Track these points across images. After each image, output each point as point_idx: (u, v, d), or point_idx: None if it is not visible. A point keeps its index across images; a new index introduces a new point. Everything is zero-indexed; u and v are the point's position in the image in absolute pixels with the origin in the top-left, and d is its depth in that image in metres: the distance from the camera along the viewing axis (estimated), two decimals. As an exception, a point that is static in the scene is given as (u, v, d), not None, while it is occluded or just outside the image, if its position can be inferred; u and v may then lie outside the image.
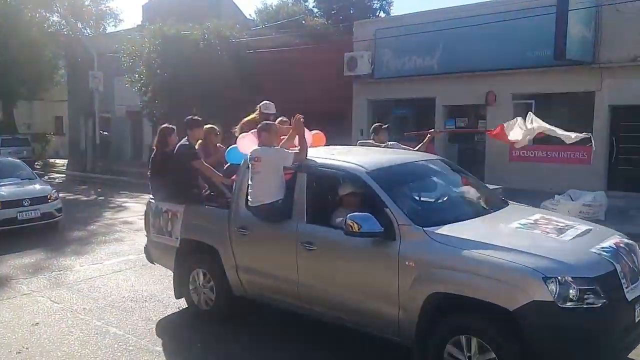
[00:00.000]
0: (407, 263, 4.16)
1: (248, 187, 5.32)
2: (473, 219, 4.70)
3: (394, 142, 7.48)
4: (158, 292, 7.03)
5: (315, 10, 30.56)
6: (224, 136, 7.07)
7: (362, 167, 4.82)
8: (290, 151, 5.21)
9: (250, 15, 31.29)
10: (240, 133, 6.15)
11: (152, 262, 6.80)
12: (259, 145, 5.32)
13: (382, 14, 30.43)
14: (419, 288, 4.09)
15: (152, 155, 6.42)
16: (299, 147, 5.20)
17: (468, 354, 3.95)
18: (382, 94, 17.41)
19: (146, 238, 6.71)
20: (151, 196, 6.55)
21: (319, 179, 5.29)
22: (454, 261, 3.97)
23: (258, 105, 6.72)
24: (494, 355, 3.81)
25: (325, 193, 5.50)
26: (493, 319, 3.83)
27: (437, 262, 4.07)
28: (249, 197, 5.30)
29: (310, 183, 5.09)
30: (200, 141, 6.42)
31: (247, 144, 5.66)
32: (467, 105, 15.63)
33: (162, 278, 7.39)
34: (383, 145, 7.17)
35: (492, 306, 3.78)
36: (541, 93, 14.05)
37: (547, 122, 7.40)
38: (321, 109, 14.55)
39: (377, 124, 7.70)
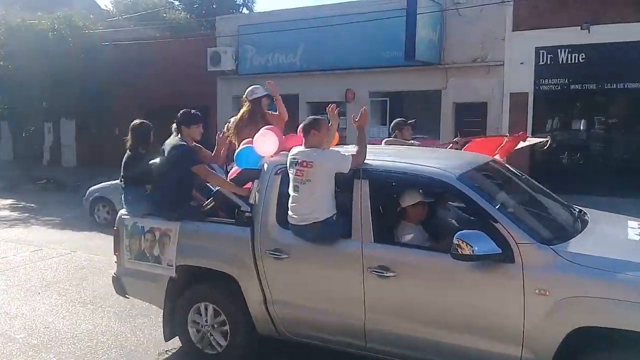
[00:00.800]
0: (537, 291, 3.35)
1: (276, 200, 4.27)
2: (582, 234, 3.90)
3: (419, 139, 6.43)
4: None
5: (177, 3, 29.77)
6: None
7: (447, 170, 3.90)
8: (348, 154, 4.06)
9: (105, 6, 29.72)
10: (236, 135, 5.27)
11: (124, 295, 5.12)
12: (305, 147, 4.16)
13: (245, 10, 30.46)
14: (559, 321, 3.30)
15: (126, 159, 5.00)
16: (358, 148, 4.10)
17: None
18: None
19: (116, 265, 5.06)
20: (123, 210, 5.01)
21: (385, 187, 4.32)
22: (606, 287, 3.23)
23: (243, 97, 5.70)
24: None
25: (392, 204, 4.39)
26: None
27: (583, 288, 3.27)
28: (291, 212, 4.10)
29: (373, 192, 4.00)
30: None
31: (269, 143, 4.53)
32: (328, 102, 16.14)
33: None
34: (408, 143, 6.33)
35: None
36: (395, 91, 15.06)
37: (407, 118, 7.20)
38: (185, 104, 14.25)
39: (399, 120, 6.77)
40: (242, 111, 5.65)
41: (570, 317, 3.28)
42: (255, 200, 4.33)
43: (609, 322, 3.22)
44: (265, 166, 4.42)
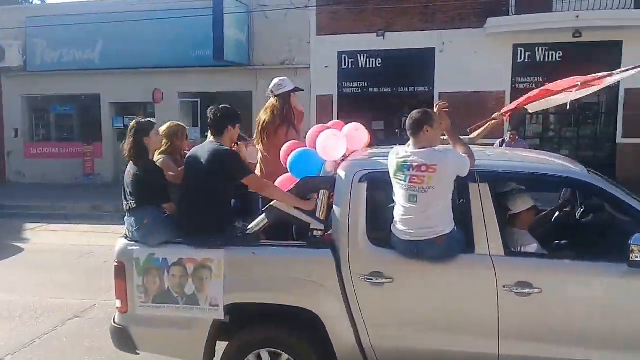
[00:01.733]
0: None
1: (365, 213, 3.44)
2: None
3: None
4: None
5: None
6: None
7: (574, 168, 3.65)
8: (465, 155, 3.38)
9: None
10: (267, 138, 4.46)
11: (133, 352, 3.75)
12: (417, 147, 3.34)
13: (36, 1, 27.43)
14: None
15: (137, 172, 3.73)
16: (464, 149, 3.43)
17: None
18: (39, 89, 15.75)
19: (117, 312, 3.76)
20: (124, 240, 3.76)
21: (497, 191, 3.67)
22: None
23: (269, 89, 4.76)
24: None
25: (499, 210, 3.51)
26: None
27: None
28: (402, 226, 3.29)
29: (493, 197, 3.40)
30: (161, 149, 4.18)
31: (340, 145, 3.75)
32: (134, 103, 15.33)
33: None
34: None
35: None
36: (206, 92, 14.71)
37: None
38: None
39: None
40: (269, 110, 4.66)
41: None
42: (322, 215, 3.53)
43: None
44: (342, 173, 3.54)
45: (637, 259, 3.01)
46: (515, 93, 11.84)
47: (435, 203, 3.24)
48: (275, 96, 4.69)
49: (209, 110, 3.82)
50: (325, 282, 3.42)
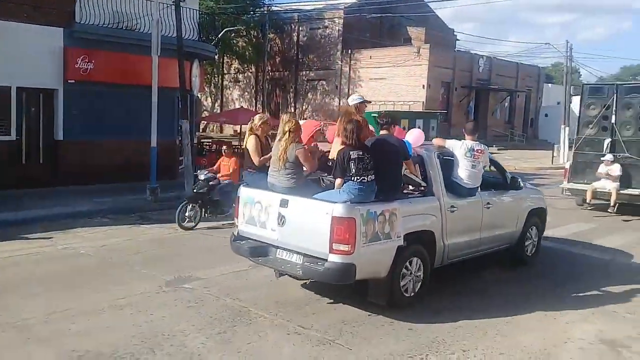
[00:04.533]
0: None
1: (441, 176, 6.84)
2: None
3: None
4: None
5: None
6: None
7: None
8: None
9: None
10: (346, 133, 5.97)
11: (351, 281, 5.77)
12: (472, 140, 7.25)
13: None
14: None
15: (363, 152, 5.87)
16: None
17: None
18: None
19: (342, 254, 5.57)
20: (344, 201, 5.69)
21: None
22: None
23: (351, 102, 7.11)
24: None
25: None
26: None
27: None
28: (468, 181, 7.04)
29: None
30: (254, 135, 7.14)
31: (420, 138, 7.14)
32: None
33: None
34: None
35: None
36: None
37: None
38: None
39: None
40: (351, 114, 6.45)
41: None
42: (419, 178, 6.80)
43: None
44: (430, 154, 6.85)
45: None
46: None
47: (481, 169, 7.20)
48: (358, 106, 7.05)
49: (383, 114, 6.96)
50: (436, 213, 6.57)
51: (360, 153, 5.82)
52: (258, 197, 6.42)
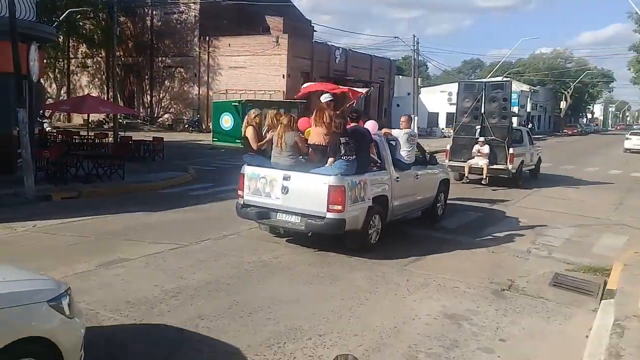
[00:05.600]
0: None
1: (390, 156, 9.30)
2: None
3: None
4: None
5: None
6: None
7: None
8: None
9: None
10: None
11: (341, 232, 8.06)
12: (405, 129, 10.16)
13: None
14: None
15: (348, 139, 8.07)
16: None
17: None
18: None
19: (335, 213, 7.81)
20: (336, 174, 7.87)
21: None
22: None
23: (323, 100, 9.17)
24: None
25: None
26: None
27: None
28: (407, 159, 9.66)
29: None
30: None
31: (374, 126, 9.44)
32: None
33: None
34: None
35: None
36: None
37: None
38: None
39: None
40: (330, 111, 8.63)
41: None
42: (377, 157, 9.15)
43: None
44: (382, 139, 9.26)
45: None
46: None
47: (414, 149, 10.06)
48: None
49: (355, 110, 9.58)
50: (388, 183, 8.93)
51: (347, 139, 8.03)
52: (263, 173, 8.38)
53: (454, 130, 17.98)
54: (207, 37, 37.83)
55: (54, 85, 43.84)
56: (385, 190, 8.84)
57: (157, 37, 40.20)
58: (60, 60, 42.46)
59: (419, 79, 36.78)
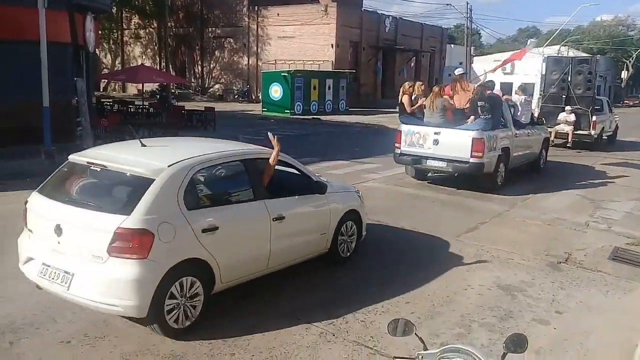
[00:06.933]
0: None
1: None
2: None
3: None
4: None
5: None
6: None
7: None
8: None
9: None
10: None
11: (481, 173, 10.54)
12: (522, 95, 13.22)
13: None
14: None
15: (485, 103, 10.56)
16: None
17: None
18: None
19: (482, 157, 10.30)
20: (477, 129, 10.40)
21: None
22: None
23: (457, 73, 11.67)
24: None
25: None
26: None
27: None
28: (524, 119, 12.46)
29: None
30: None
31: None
32: None
33: None
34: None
35: None
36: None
37: None
38: None
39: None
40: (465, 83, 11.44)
41: None
42: None
43: None
44: (505, 104, 11.79)
45: None
46: None
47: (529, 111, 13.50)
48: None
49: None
50: (510, 138, 11.43)
51: (484, 103, 10.52)
52: (417, 130, 10.89)
53: (542, 99, 19.86)
54: (256, 7, 37.74)
55: (108, 56, 44.93)
56: (508, 143, 11.17)
57: (207, 7, 40.39)
58: (114, 31, 43.38)
59: (471, 47, 35.75)
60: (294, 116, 28.44)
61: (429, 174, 12.02)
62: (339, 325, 4.95)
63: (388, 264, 6.65)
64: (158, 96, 24.05)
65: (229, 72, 40.43)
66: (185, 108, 21.65)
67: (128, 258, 4.23)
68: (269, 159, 5.48)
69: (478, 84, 11.65)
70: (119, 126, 14.71)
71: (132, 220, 4.23)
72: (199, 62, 41.71)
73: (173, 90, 28.76)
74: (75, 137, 14.55)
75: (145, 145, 5.11)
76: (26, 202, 4.99)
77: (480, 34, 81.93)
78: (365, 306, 5.36)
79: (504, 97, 12.03)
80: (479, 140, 10.16)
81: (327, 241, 6.13)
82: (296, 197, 5.71)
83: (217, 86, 40.79)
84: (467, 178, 10.97)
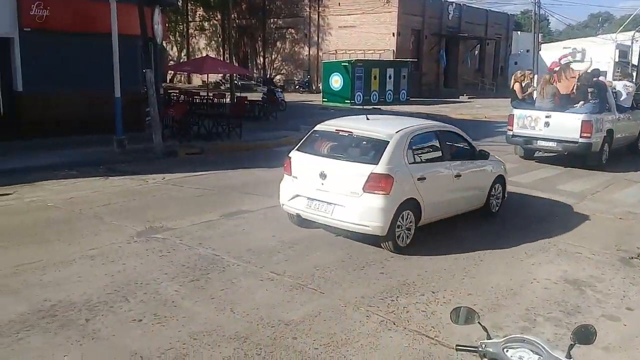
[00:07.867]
0: None
1: None
2: None
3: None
4: None
5: None
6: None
7: None
8: None
9: None
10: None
11: (589, 152, 11.83)
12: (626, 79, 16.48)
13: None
14: None
15: (593, 89, 12.14)
16: None
17: None
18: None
19: (590, 137, 11.66)
20: (585, 113, 11.78)
21: None
22: None
23: (563, 62, 12.80)
24: None
25: None
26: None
27: None
28: (625, 104, 13.23)
29: None
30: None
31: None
32: None
33: None
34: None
35: None
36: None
37: None
38: None
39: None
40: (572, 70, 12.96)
41: None
42: None
43: None
44: (609, 89, 12.90)
45: None
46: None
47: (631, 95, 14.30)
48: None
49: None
50: (614, 121, 12.82)
51: (592, 89, 11.94)
52: (529, 113, 12.34)
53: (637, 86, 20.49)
54: (318, -3, 37.82)
55: (174, 48, 46.25)
56: (612, 126, 12.35)
57: (269, -2, 40.84)
58: (180, 23, 44.57)
59: (539, 34, 34.43)
60: (355, 106, 28.38)
61: (536, 154, 13.29)
62: (400, 314, 4.97)
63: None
64: (265, 90, 24.28)
65: (290, 62, 40.75)
66: (248, 99, 22.04)
67: (377, 193, 6.14)
68: (450, 130, 7.70)
69: (583, 71, 12.82)
70: (186, 117, 15.16)
71: (380, 168, 6.21)
72: (261, 53, 42.27)
73: (236, 82, 29.24)
74: (145, 126, 15.14)
75: (369, 119, 7.28)
76: (289, 158, 6.93)
77: (548, 20, 78.60)
78: (426, 296, 5.34)
79: (607, 82, 13.46)
80: (587, 123, 11.46)
81: (484, 197, 7.91)
82: (468, 161, 7.57)
83: (278, 77, 41.26)
84: (573, 157, 12.25)
